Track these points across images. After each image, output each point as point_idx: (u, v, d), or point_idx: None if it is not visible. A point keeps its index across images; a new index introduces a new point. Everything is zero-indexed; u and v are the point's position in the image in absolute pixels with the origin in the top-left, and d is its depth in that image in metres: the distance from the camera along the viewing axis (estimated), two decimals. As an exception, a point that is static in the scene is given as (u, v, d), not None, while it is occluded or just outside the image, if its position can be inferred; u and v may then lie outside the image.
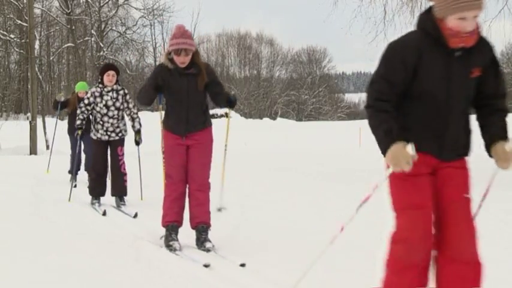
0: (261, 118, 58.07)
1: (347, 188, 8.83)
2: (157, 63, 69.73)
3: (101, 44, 22.59)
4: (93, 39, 23.11)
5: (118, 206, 7.01)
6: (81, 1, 24.74)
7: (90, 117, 7.11)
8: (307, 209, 6.91)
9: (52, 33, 43.82)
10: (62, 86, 55.66)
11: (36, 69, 21.70)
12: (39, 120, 20.57)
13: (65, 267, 4.09)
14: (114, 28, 24.62)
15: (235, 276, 3.95)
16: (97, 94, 6.95)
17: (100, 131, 7.02)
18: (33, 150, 18.55)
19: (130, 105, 7.14)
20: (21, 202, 7.26)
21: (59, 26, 32.37)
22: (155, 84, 4.75)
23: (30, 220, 6.03)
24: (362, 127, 30.59)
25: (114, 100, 6.98)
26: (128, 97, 7.10)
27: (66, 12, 22.41)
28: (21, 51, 26.56)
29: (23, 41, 24.91)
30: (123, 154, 7.19)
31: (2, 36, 24.39)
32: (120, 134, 7.12)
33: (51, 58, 46.75)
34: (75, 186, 8.38)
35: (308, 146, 23.22)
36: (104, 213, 6.48)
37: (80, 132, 7.21)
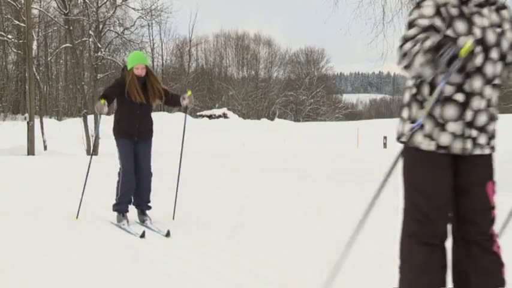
0: (259, 119, 58.10)
1: (345, 189, 8.84)
2: (155, 63, 69.21)
3: (98, 44, 22.55)
4: (91, 39, 23.06)
5: None
6: (79, 1, 24.68)
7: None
8: (305, 209, 6.91)
9: (50, 33, 43.82)
10: (60, 86, 55.73)
11: (34, 69, 21.67)
12: (36, 121, 20.54)
13: (63, 268, 4.09)
14: (112, 29, 24.57)
15: (233, 276, 3.94)
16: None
17: (454, 125, 2.61)
18: (30, 151, 18.53)
19: None
20: (19, 202, 7.24)
21: (57, 26, 32.34)
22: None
23: (28, 220, 6.01)
24: (359, 128, 30.71)
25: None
26: None
27: (64, 12, 22.35)
28: (19, 51, 26.55)
29: (20, 41, 24.87)
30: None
31: (-1, 37, 24.40)
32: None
33: (49, 58, 46.70)
34: (143, 235, 5.17)
35: (306, 147, 23.23)
36: None
37: None
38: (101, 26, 23.14)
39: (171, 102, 6.04)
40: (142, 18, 24.41)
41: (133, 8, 24.22)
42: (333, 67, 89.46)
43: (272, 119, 57.24)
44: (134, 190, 5.87)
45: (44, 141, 22.37)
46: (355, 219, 6.08)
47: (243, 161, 13.83)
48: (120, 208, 5.86)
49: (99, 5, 23.00)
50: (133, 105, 5.74)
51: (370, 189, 9.46)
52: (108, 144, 10.13)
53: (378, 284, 3.83)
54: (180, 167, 6.25)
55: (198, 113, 54.83)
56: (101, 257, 4.42)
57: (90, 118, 21.72)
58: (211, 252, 4.61)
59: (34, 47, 21.96)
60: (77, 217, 6.03)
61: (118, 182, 5.85)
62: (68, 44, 25.97)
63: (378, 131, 30.44)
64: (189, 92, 5.93)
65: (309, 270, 4.07)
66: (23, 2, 21.84)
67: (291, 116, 67.52)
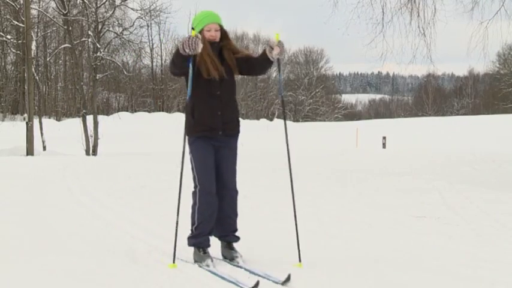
0: (258, 119, 58.14)
1: (345, 189, 8.85)
2: (154, 64, 68.93)
3: (97, 44, 22.55)
4: (90, 40, 23.05)
5: None
6: (78, 2, 24.68)
7: None
8: (304, 209, 6.91)
9: (49, 34, 43.80)
10: (59, 86, 55.77)
11: (33, 70, 21.66)
12: (35, 121, 20.53)
13: (62, 268, 4.08)
14: (111, 29, 24.57)
15: (232, 276, 3.94)
16: None
17: None
18: (29, 151, 18.52)
19: None
20: (18, 203, 7.24)
21: (56, 26, 32.35)
22: None
23: (27, 221, 6.01)
24: (359, 128, 30.71)
25: None
26: None
27: (63, 13, 22.36)
28: (18, 52, 26.52)
29: (19, 41, 24.88)
30: None
31: (-2, 37, 24.46)
32: None
33: (48, 59, 46.70)
34: (257, 285, 3.62)
35: (305, 147, 23.24)
36: None
37: None
38: (100, 27, 23.14)
39: (256, 68, 4.38)
40: (142, 18, 24.42)
41: (132, 9, 24.24)
42: (332, 67, 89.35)
43: (271, 119, 57.26)
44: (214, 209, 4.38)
45: (43, 142, 22.36)
46: (353, 219, 6.09)
47: (242, 161, 13.82)
48: (200, 242, 4.30)
49: (98, 5, 23.01)
50: (211, 84, 4.19)
51: (370, 189, 9.53)
52: (107, 145, 10.13)
53: (378, 283, 3.83)
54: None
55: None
56: (101, 258, 4.42)
57: (90, 118, 21.72)
58: (211, 253, 4.61)
59: (33, 47, 21.93)
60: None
61: (193, 206, 4.34)
62: (67, 45, 25.96)
63: (377, 131, 30.48)
64: (278, 36, 4.08)
65: (309, 270, 4.08)
66: (22, 2, 21.84)
67: (290, 116, 67.54)
